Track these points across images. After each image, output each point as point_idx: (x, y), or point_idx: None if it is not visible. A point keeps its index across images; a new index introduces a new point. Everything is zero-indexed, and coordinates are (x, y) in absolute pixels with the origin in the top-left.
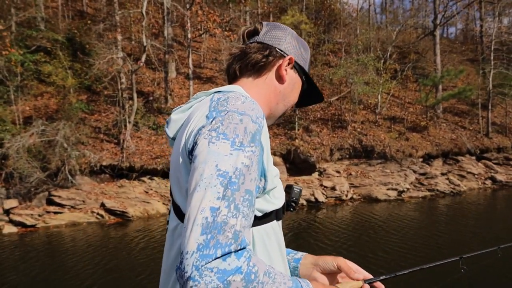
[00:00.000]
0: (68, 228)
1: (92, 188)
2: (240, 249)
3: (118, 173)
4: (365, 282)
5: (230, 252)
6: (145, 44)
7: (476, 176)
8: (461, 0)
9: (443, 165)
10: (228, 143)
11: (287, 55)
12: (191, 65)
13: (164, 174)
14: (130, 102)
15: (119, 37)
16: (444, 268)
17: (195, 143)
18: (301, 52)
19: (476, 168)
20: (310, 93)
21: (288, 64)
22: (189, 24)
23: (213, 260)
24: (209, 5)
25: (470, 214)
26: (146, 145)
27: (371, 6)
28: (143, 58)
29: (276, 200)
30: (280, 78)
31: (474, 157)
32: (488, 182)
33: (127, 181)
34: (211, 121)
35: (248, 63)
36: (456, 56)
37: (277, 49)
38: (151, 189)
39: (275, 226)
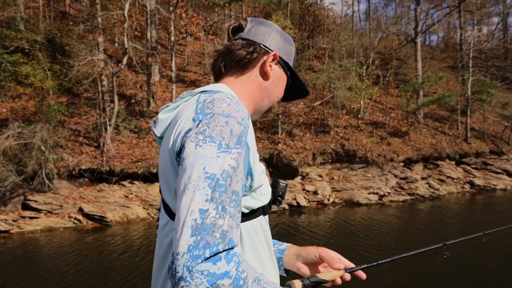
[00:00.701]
0: (43, 233)
1: (70, 193)
2: (229, 249)
3: (97, 177)
4: (346, 271)
5: (218, 252)
6: (126, 46)
7: (455, 180)
8: (441, 9)
9: (423, 169)
10: (214, 146)
11: (272, 51)
12: (174, 68)
13: (145, 178)
14: (111, 105)
15: (100, 39)
16: (427, 256)
17: (182, 146)
18: (285, 47)
19: (455, 172)
20: (295, 88)
21: (273, 60)
22: (172, 27)
23: (202, 261)
24: (194, 8)
25: (448, 217)
26: (127, 149)
27: (354, 12)
28: (125, 61)
29: (262, 196)
30: (264, 75)
31: (453, 162)
32: (467, 186)
33: (106, 185)
34: (198, 124)
35: (233, 60)
36: (437, 63)
37: (261, 45)
38: (131, 193)
39: (262, 221)
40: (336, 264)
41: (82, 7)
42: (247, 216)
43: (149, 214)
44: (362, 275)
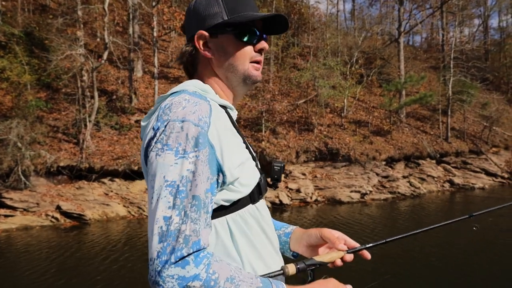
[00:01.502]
0: (19, 232)
1: (48, 190)
2: (195, 252)
3: (76, 174)
4: (348, 252)
5: (183, 257)
6: (107, 41)
7: (435, 179)
8: (424, 10)
9: (405, 168)
10: (172, 153)
11: (195, 34)
12: (156, 64)
13: (125, 175)
14: (92, 100)
15: (79, 33)
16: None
17: (146, 156)
18: (206, 13)
19: (436, 171)
20: (267, 23)
21: (203, 40)
22: (155, 22)
23: (170, 266)
24: (179, 4)
25: (428, 215)
26: (108, 145)
27: (339, 12)
28: (105, 56)
29: (243, 187)
30: (205, 58)
31: (434, 161)
32: (447, 185)
33: (86, 182)
34: (156, 133)
35: (186, 60)
36: (420, 63)
37: (191, 36)
38: (112, 191)
39: (253, 210)
40: (339, 245)
41: (63, 0)
42: (230, 208)
43: (129, 212)
44: (367, 255)
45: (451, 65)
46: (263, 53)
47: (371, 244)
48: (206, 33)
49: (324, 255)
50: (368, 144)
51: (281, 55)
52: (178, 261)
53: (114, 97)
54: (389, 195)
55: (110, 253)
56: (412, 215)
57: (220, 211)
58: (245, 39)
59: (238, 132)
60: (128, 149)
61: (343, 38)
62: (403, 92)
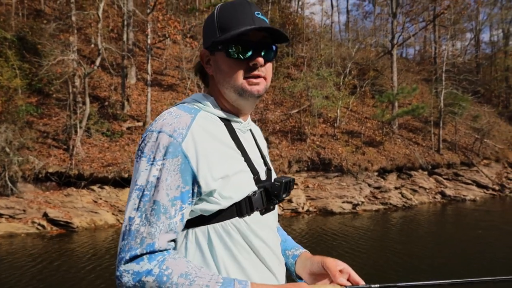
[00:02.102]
0: (3, 239)
1: (35, 197)
2: (149, 253)
3: (65, 181)
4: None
5: (137, 256)
6: (100, 47)
7: (427, 190)
8: (417, 23)
9: (397, 179)
10: (145, 160)
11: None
12: (149, 71)
13: (115, 183)
14: (84, 106)
15: (72, 39)
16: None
17: None
18: (208, 32)
19: (428, 183)
20: (270, 33)
21: (204, 57)
22: (149, 30)
23: (126, 262)
24: (175, 12)
25: (419, 227)
26: (98, 152)
27: (333, 23)
28: (98, 62)
29: (223, 200)
30: (212, 74)
31: (426, 172)
32: (438, 196)
33: (75, 189)
34: (140, 141)
35: (200, 74)
36: (413, 75)
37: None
38: (101, 199)
39: (239, 223)
40: (339, 279)
41: (57, 6)
42: (212, 218)
43: (118, 220)
44: None
45: (443, 78)
46: (259, 67)
47: (377, 285)
48: (207, 51)
49: (315, 286)
50: (361, 155)
51: (275, 64)
52: (133, 258)
53: (106, 103)
54: (381, 206)
55: (97, 263)
56: (403, 226)
57: (202, 220)
58: (235, 56)
59: (237, 144)
60: (119, 156)
61: (337, 49)
62: (396, 104)
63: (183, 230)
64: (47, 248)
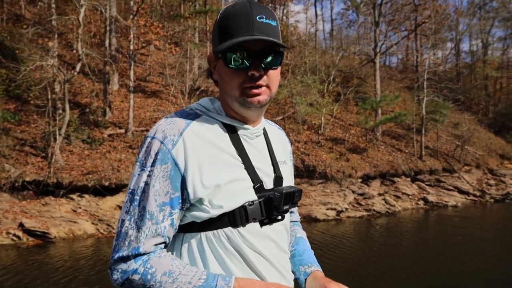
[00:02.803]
0: None
1: (11, 206)
2: (135, 255)
3: (43, 189)
4: None
5: (124, 256)
6: (80, 52)
7: (410, 196)
8: (399, 32)
9: (380, 185)
10: (138, 165)
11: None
12: (132, 78)
13: (95, 191)
14: (64, 113)
15: (51, 44)
16: None
17: None
18: (213, 37)
19: (411, 189)
20: (266, 47)
21: (211, 63)
22: (132, 35)
23: (115, 261)
24: (159, 19)
25: (402, 235)
26: (78, 160)
27: (317, 31)
28: (78, 67)
29: (212, 208)
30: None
31: (409, 179)
32: (421, 202)
33: (53, 198)
34: (140, 146)
35: (212, 79)
36: (395, 83)
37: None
38: (80, 208)
39: (232, 233)
40: None
41: (38, 10)
42: (205, 226)
43: (98, 230)
44: None
45: (425, 86)
46: (258, 77)
47: None
48: (214, 56)
49: None
50: (345, 162)
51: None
52: (121, 258)
53: (87, 110)
54: (365, 213)
55: (74, 275)
56: (385, 234)
57: (195, 227)
58: (231, 65)
59: (239, 151)
60: (99, 164)
61: (321, 57)
62: (379, 111)
63: (179, 234)
64: (23, 259)
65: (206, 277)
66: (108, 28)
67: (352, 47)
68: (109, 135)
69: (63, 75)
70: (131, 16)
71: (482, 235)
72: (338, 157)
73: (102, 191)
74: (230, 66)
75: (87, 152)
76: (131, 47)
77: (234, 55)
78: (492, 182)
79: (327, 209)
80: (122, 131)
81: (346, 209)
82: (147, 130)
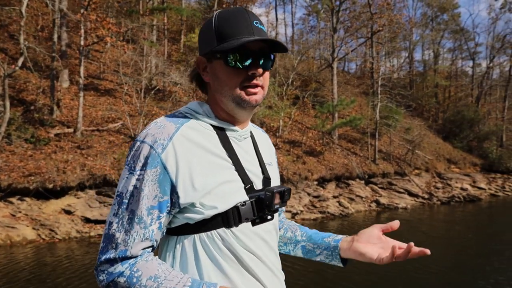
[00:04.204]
0: None
1: None
2: (122, 258)
3: None
4: None
5: (111, 258)
6: (22, 46)
7: (363, 199)
8: (356, 38)
9: (335, 188)
10: (127, 168)
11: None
12: (82, 74)
13: (38, 194)
14: (4, 110)
15: None
16: None
17: None
18: (205, 38)
19: (364, 191)
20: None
21: (201, 65)
22: (82, 30)
23: (102, 263)
24: (116, 15)
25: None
26: (19, 161)
27: (278, 34)
28: (20, 62)
29: (206, 210)
30: (208, 82)
31: (363, 181)
32: (373, 204)
33: None
34: (129, 149)
35: (196, 82)
36: (353, 88)
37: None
38: (20, 212)
39: (225, 234)
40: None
41: None
42: (198, 227)
43: (39, 235)
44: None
45: (379, 92)
46: (257, 77)
47: None
48: (204, 59)
49: None
50: (301, 164)
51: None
52: (108, 261)
53: (32, 107)
54: (319, 215)
55: (7, 284)
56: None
57: (188, 229)
58: (232, 64)
59: (229, 153)
60: (43, 165)
61: (280, 60)
62: (336, 115)
63: (172, 237)
64: None
65: (191, 284)
66: (56, 22)
67: (311, 52)
68: (56, 135)
69: (3, 69)
70: (82, 10)
71: (426, 236)
72: (295, 159)
73: (45, 194)
74: (231, 65)
75: (30, 152)
76: (82, 43)
77: (235, 56)
78: (439, 185)
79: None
80: (71, 130)
81: (301, 211)
82: (98, 130)
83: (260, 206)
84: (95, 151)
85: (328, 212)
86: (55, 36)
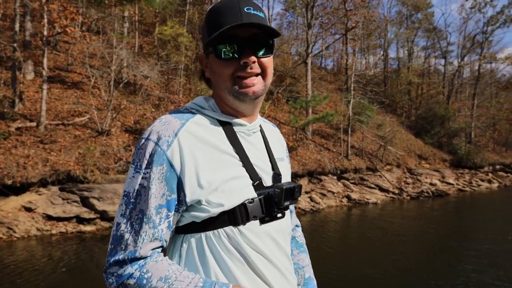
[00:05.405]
0: None
1: None
2: (131, 259)
3: None
4: None
5: (120, 260)
6: None
7: (335, 194)
8: (331, 35)
9: (308, 183)
10: (133, 167)
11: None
12: (45, 66)
13: None
14: None
15: None
16: None
17: None
18: (203, 35)
19: (336, 187)
20: (257, 35)
21: (202, 61)
22: (45, 20)
23: (111, 265)
24: (86, 5)
25: (324, 229)
26: None
27: None
28: None
29: (212, 207)
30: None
31: (335, 177)
32: (345, 200)
33: None
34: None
35: (204, 78)
36: (327, 84)
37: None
38: None
39: (232, 232)
40: None
41: None
42: (204, 226)
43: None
44: None
45: (352, 88)
46: (251, 65)
47: None
48: (204, 55)
49: None
50: None
51: (192, 66)
52: (117, 262)
53: None
54: None
55: None
56: (309, 229)
57: (195, 227)
58: (222, 56)
59: (236, 148)
60: (2, 160)
61: None
62: (310, 111)
63: (179, 236)
64: None
65: (202, 284)
66: (18, 11)
67: (286, 47)
68: (17, 129)
69: None
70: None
71: (395, 230)
72: None
73: (4, 190)
74: (222, 57)
75: None
76: (45, 33)
77: (224, 46)
78: (409, 180)
79: None
80: (33, 124)
81: None
82: (64, 124)
83: (269, 204)
84: (59, 146)
85: (299, 208)
86: (17, 26)
